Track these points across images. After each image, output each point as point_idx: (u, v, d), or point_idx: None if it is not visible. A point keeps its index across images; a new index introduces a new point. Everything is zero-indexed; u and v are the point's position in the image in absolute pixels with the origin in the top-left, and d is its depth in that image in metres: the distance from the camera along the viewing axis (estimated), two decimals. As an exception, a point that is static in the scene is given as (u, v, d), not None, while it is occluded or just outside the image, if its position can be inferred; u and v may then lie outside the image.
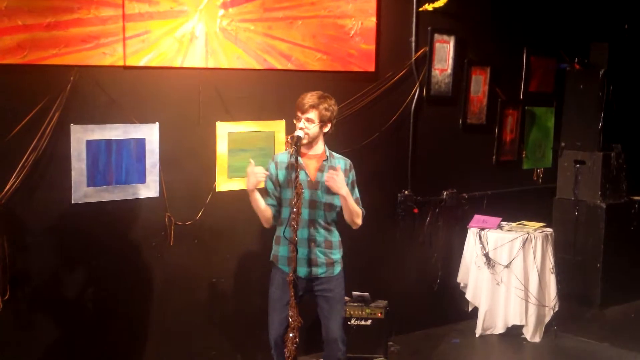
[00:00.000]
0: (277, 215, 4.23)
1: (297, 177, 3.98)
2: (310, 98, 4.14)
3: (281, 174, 4.20)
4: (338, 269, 4.27)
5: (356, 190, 4.33)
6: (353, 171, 4.32)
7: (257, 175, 4.07)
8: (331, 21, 5.24)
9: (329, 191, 4.16)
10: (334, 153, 4.31)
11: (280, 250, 4.22)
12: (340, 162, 4.27)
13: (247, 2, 4.83)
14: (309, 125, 4.12)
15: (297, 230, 4.01)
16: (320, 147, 4.22)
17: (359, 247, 5.25)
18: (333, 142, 4.42)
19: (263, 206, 4.17)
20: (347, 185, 4.22)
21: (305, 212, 4.11)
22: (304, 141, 4.12)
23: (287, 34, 5.03)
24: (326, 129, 4.20)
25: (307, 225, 4.14)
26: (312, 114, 4.12)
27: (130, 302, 4.68)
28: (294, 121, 4.18)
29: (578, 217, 6.49)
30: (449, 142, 6.22)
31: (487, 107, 6.43)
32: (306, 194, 4.11)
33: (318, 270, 4.20)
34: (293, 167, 4.02)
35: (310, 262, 4.16)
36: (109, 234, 4.54)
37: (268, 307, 4.26)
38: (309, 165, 4.19)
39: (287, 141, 4.96)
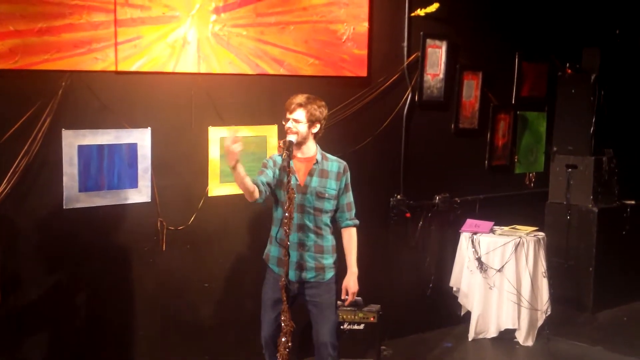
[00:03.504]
0: (263, 195, 4.07)
1: (289, 181, 3.98)
2: (298, 98, 4.15)
3: (277, 173, 4.20)
4: (329, 274, 4.25)
5: (349, 194, 4.32)
6: (348, 174, 4.30)
7: (235, 151, 3.85)
8: (323, 26, 5.25)
9: (318, 196, 4.16)
10: (328, 155, 4.29)
11: (272, 250, 4.23)
12: (334, 164, 4.26)
13: (239, 8, 4.84)
14: (296, 125, 4.12)
15: (289, 235, 4.01)
16: (311, 149, 4.21)
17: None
18: (325, 147, 4.42)
19: (249, 182, 3.98)
20: (340, 188, 4.23)
21: (294, 217, 4.10)
22: (293, 140, 4.11)
23: (280, 39, 5.04)
24: (315, 130, 4.17)
25: (296, 230, 4.13)
26: (300, 114, 4.11)
27: (122, 307, 4.67)
28: (283, 122, 4.18)
29: (570, 221, 6.51)
30: (441, 147, 6.24)
31: (479, 111, 6.45)
32: (296, 198, 4.10)
33: (307, 275, 4.19)
34: (285, 170, 4.02)
35: (299, 266, 4.16)
36: (100, 239, 4.53)
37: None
38: (299, 169, 4.18)
39: (280, 146, 4.95)
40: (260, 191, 4.04)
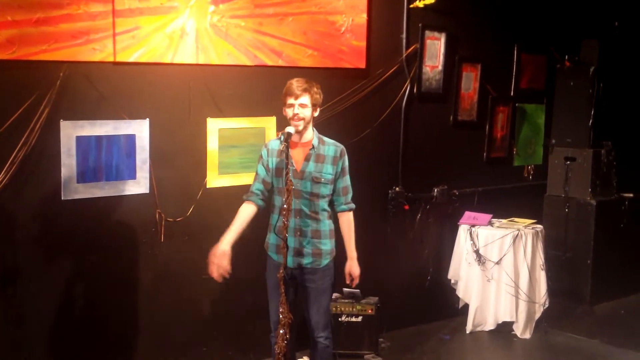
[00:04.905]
0: (262, 203, 4.19)
1: (287, 173, 3.96)
2: (300, 83, 4.12)
3: (272, 161, 4.19)
4: (326, 260, 4.23)
5: (346, 177, 4.28)
6: (345, 157, 4.26)
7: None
8: (322, 17, 5.24)
9: (314, 181, 4.15)
10: (325, 139, 4.26)
11: (270, 238, 4.24)
12: (331, 148, 4.22)
13: (237, -2, 4.83)
14: (303, 110, 4.09)
15: (287, 226, 4.00)
16: (309, 134, 4.19)
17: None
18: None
19: (239, 226, 4.15)
20: (337, 172, 4.21)
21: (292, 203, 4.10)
22: (300, 128, 4.10)
23: (278, 31, 5.02)
24: (316, 114, 4.19)
25: (293, 215, 4.11)
26: (306, 98, 4.09)
27: (121, 299, 4.67)
28: (284, 108, 4.14)
29: (568, 213, 6.52)
30: (439, 139, 6.23)
31: (478, 103, 6.45)
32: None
33: (304, 260, 4.18)
34: (284, 162, 4.00)
35: (297, 252, 4.15)
36: (99, 231, 4.53)
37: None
38: (296, 154, 4.15)
39: (278, 137, 4.95)
40: (258, 206, 4.19)
